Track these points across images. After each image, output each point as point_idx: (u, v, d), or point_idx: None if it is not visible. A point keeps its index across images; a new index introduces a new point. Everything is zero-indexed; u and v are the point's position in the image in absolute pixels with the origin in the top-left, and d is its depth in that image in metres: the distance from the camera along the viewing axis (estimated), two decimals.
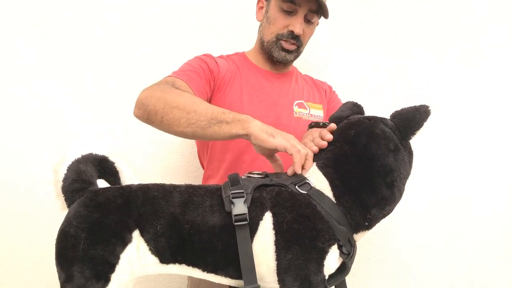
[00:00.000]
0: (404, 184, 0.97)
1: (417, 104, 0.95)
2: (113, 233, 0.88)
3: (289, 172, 0.99)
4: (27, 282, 1.70)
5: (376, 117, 1.00)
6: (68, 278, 0.86)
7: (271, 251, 0.89)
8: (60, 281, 0.88)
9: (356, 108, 1.10)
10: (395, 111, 0.98)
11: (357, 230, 0.96)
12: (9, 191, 1.67)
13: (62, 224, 0.89)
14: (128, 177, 1.04)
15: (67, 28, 1.66)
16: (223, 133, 1.02)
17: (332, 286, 1.01)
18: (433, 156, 1.79)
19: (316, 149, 1.01)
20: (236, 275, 0.91)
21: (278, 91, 1.43)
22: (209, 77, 1.31)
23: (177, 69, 1.30)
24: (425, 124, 0.94)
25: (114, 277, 0.87)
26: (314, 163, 0.99)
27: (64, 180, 0.93)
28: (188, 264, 0.92)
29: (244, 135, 1.01)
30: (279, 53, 1.38)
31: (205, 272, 0.93)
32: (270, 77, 1.44)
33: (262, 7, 1.43)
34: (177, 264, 0.92)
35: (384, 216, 0.97)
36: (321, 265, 0.89)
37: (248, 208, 0.90)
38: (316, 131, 1.10)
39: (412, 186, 1.02)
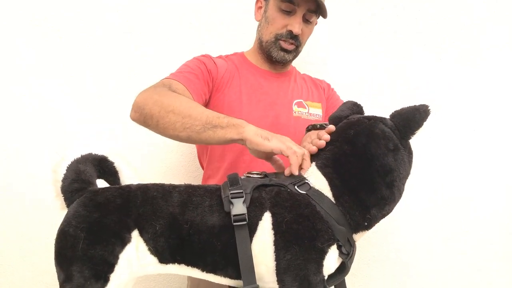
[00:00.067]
0: (403, 184, 0.97)
1: (417, 104, 0.96)
2: (112, 233, 0.88)
3: (286, 173, 0.99)
4: (27, 282, 1.70)
5: (375, 116, 1.00)
6: (67, 278, 0.86)
7: (270, 251, 0.89)
8: (59, 281, 0.88)
9: (355, 107, 1.10)
10: (395, 111, 0.98)
11: (356, 230, 0.96)
12: (9, 191, 1.67)
13: (62, 224, 0.90)
14: (128, 177, 1.04)
15: (67, 28, 1.66)
16: (217, 138, 1.03)
17: (331, 286, 1.01)
18: (432, 156, 1.79)
19: (314, 149, 1.01)
20: (235, 275, 0.91)
21: (277, 90, 1.43)
22: (207, 78, 1.32)
23: (175, 70, 1.30)
24: (425, 124, 0.94)
25: (113, 277, 0.87)
26: (313, 163, 0.99)
27: (64, 180, 0.93)
28: (187, 264, 0.92)
29: (239, 140, 1.01)
30: (278, 53, 1.38)
31: (204, 272, 0.93)
32: (269, 77, 1.45)
33: (260, 7, 1.43)
34: (176, 264, 0.92)
35: (383, 216, 0.97)
36: (320, 265, 0.89)
37: (247, 208, 0.90)
38: (314, 134, 1.10)
39: (412, 186, 1.02)
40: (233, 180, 0.95)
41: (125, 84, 1.69)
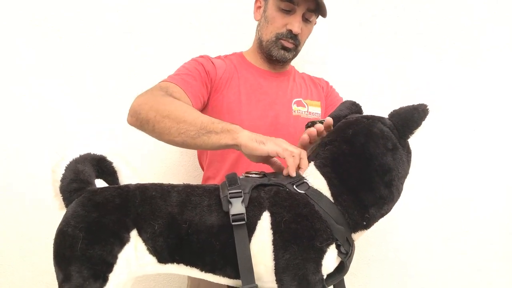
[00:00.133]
0: (402, 184, 0.97)
1: (416, 103, 0.96)
2: (111, 233, 0.88)
3: (285, 173, 0.99)
4: (27, 282, 1.70)
5: (374, 116, 0.99)
6: (66, 277, 0.86)
7: (269, 251, 0.89)
8: (58, 281, 0.88)
9: (354, 107, 1.10)
10: (393, 110, 0.98)
11: (355, 230, 0.96)
12: (9, 191, 1.67)
13: (60, 224, 0.89)
14: (126, 176, 1.04)
15: (67, 28, 1.67)
16: (212, 143, 1.03)
17: (330, 285, 1.01)
18: (432, 156, 1.79)
19: (306, 137, 1.02)
20: (234, 274, 0.91)
21: (276, 90, 1.43)
22: (205, 80, 1.32)
23: (173, 72, 1.31)
24: (423, 123, 0.94)
25: (112, 276, 0.87)
26: (312, 162, 0.99)
27: (62, 180, 0.93)
28: (186, 263, 0.92)
29: (234, 146, 1.02)
30: (278, 52, 1.38)
31: (203, 272, 0.93)
32: (268, 77, 1.45)
33: (260, 7, 1.43)
34: (175, 263, 0.92)
35: (382, 215, 0.97)
36: (319, 265, 0.89)
37: (246, 207, 0.90)
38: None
39: (412, 186, 1.02)
40: (232, 180, 0.95)
41: (125, 84, 1.69)
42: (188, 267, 0.92)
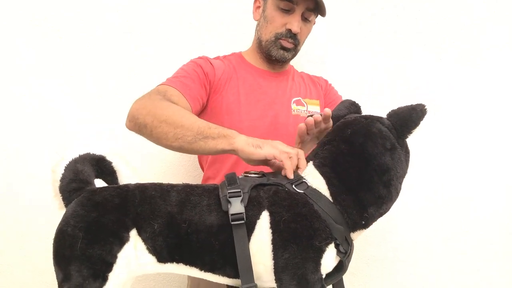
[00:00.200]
0: (400, 183, 0.97)
1: (414, 103, 0.96)
2: (111, 232, 0.88)
3: (283, 175, 0.99)
4: (27, 282, 1.70)
5: (372, 116, 1.00)
6: (66, 277, 0.86)
7: (268, 250, 0.89)
8: (57, 281, 0.88)
9: (353, 107, 1.10)
10: (392, 110, 0.98)
11: (354, 229, 0.96)
12: (9, 191, 1.67)
13: (60, 224, 0.90)
14: (126, 176, 1.04)
15: (67, 28, 1.67)
16: (209, 149, 1.03)
17: (329, 285, 1.01)
18: (432, 156, 1.79)
19: (303, 126, 1.03)
20: (234, 274, 0.91)
21: (276, 89, 1.43)
22: (204, 81, 1.32)
23: (172, 75, 1.31)
24: (422, 122, 0.94)
25: (111, 276, 0.87)
26: (311, 162, 0.99)
27: (62, 179, 0.93)
28: (186, 263, 0.92)
29: (231, 151, 1.02)
30: (277, 51, 1.38)
31: (203, 271, 0.93)
32: (267, 76, 1.45)
33: (259, 7, 1.43)
34: (174, 263, 0.92)
35: (381, 215, 0.97)
36: (318, 264, 0.89)
37: (245, 207, 0.90)
38: None
39: (412, 186, 1.02)
40: (231, 180, 0.95)
41: (125, 84, 1.69)
42: (188, 267, 0.92)
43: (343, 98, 1.50)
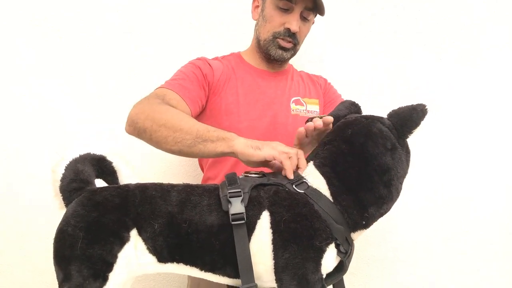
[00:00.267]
0: (401, 183, 0.97)
1: (414, 103, 0.96)
2: (111, 232, 0.88)
3: (283, 174, 0.99)
4: (27, 282, 1.70)
5: (373, 116, 1.00)
6: (66, 277, 0.86)
7: (268, 250, 0.89)
8: (58, 280, 0.88)
9: (353, 107, 1.10)
10: (392, 110, 0.98)
11: (354, 229, 0.96)
12: (9, 191, 1.67)
13: (60, 224, 0.90)
14: (126, 176, 1.04)
15: (67, 28, 1.67)
16: (208, 152, 1.04)
17: (330, 285, 1.01)
18: (432, 156, 1.79)
19: (302, 130, 1.03)
20: (234, 274, 0.91)
21: (275, 89, 1.43)
22: (203, 83, 1.32)
23: (170, 77, 1.31)
24: (422, 122, 0.94)
25: (112, 276, 0.87)
26: (311, 162, 0.99)
27: (62, 179, 0.93)
28: (186, 263, 0.92)
29: (231, 153, 1.02)
30: (276, 51, 1.37)
31: (203, 271, 0.93)
32: (266, 76, 1.45)
33: (257, 6, 1.43)
34: (175, 263, 0.92)
35: (381, 215, 0.97)
36: (318, 264, 0.89)
37: (246, 207, 0.90)
38: None
39: (412, 186, 1.02)
40: (231, 180, 0.95)
41: (125, 84, 1.69)
42: (188, 267, 0.93)
43: (343, 98, 1.51)
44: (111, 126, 1.68)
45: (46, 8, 1.65)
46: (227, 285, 0.98)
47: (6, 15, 1.63)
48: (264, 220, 0.90)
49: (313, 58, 1.78)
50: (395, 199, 0.97)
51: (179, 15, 1.72)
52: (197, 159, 1.55)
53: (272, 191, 0.94)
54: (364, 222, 0.95)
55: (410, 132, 0.95)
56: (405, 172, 0.99)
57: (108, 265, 0.87)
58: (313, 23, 1.45)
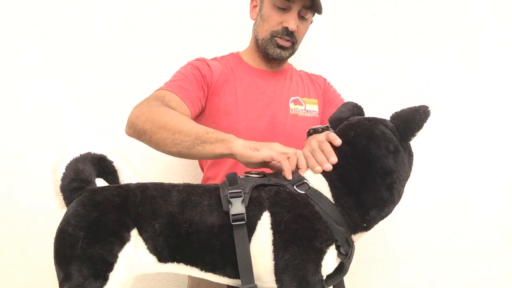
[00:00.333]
0: (403, 186, 0.97)
1: (417, 105, 0.95)
2: (111, 232, 0.88)
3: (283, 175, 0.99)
4: (27, 282, 1.70)
5: (376, 118, 0.99)
6: (66, 277, 0.86)
7: (268, 251, 0.89)
8: (58, 280, 0.88)
9: (356, 109, 1.09)
10: (395, 112, 0.98)
11: (355, 231, 0.96)
12: (9, 191, 1.67)
13: (61, 223, 0.90)
14: (127, 176, 1.04)
15: (67, 28, 1.67)
16: (207, 153, 1.04)
17: (330, 286, 1.01)
18: (432, 156, 1.79)
19: (329, 167, 0.96)
20: (234, 274, 0.91)
21: (274, 89, 1.43)
22: (202, 83, 1.32)
23: (169, 78, 1.31)
24: (425, 125, 0.93)
25: (112, 276, 0.87)
26: None
27: (63, 179, 0.93)
28: (186, 263, 0.92)
29: (229, 155, 1.02)
30: (274, 50, 1.37)
31: (203, 271, 0.93)
32: (265, 76, 1.45)
33: (256, 6, 1.43)
34: (175, 263, 0.92)
35: (383, 217, 0.97)
36: (319, 265, 0.89)
37: (246, 207, 0.90)
38: (314, 139, 1.07)
39: (411, 186, 1.02)
40: (232, 180, 0.95)
41: (125, 84, 1.69)
42: (188, 267, 0.92)
43: (343, 98, 1.51)
44: (111, 126, 1.68)
45: (46, 8, 1.65)
46: (227, 285, 0.98)
47: (6, 15, 1.63)
48: (265, 221, 0.90)
49: (313, 58, 1.78)
50: (397, 202, 0.97)
51: (179, 15, 1.72)
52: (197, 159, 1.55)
53: (273, 192, 0.93)
54: (365, 225, 0.95)
55: (413, 134, 0.94)
56: (408, 175, 0.98)
57: (108, 265, 0.87)
58: (312, 22, 1.45)
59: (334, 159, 0.96)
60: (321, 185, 0.95)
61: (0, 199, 1.67)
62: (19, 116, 1.65)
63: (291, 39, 1.36)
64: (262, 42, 1.39)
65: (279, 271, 0.88)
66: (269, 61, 1.44)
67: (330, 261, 0.91)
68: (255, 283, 0.88)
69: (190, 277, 1.39)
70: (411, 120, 0.93)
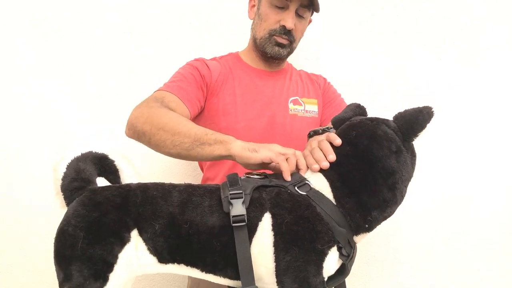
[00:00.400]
0: (406, 187, 0.96)
1: (420, 105, 0.94)
2: (112, 233, 0.88)
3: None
4: (27, 282, 1.70)
5: (378, 118, 0.99)
6: (67, 277, 0.86)
7: (269, 253, 0.89)
8: (58, 280, 0.88)
9: (358, 109, 1.09)
10: (398, 113, 0.97)
11: (357, 232, 0.95)
12: (9, 191, 1.67)
13: (61, 223, 0.89)
14: (128, 175, 1.04)
15: (67, 28, 1.67)
16: (206, 155, 1.04)
17: (331, 287, 1.01)
18: (432, 156, 1.79)
19: (326, 165, 0.97)
20: (235, 275, 0.91)
21: (272, 89, 1.43)
22: (201, 84, 1.32)
23: (169, 79, 1.31)
24: (428, 125, 0.93)
25: (112, 276, 0.87)
26: None
27: (64, 178, 0.93)
28: (187, 264, 0.92)
29: (228, 156, 1.02)
30: (272, 48, 1.37)
31: (204, 272, 0.93)
32: (264, 76, 1.44)
33: (254, 5, 1.43)
34: (175, 264, 0.92)
35: (385, 218, 0.97)
36: (320, 267, 0.89)
37: (247, 208, 0.89)
38: (315, 140, 1.07)
39: (411, 186, 1.02)
40: (233, 181, 0.94)
41: (125, 84, 1.69)
42: (189, 267, 0.92)
43: (343, 98, 1.51)
44: (111, 126, 1.67)
45: (46, 8, 1.65)
46: (228, 286, 0.98)
47: (6, 15, 1.63)
48: (266, 222, 0.90)
49: (314, 58, 1.78)
50: (399, 203, 0.96)
51: (179, 15, 1.72)
52: None
53: (274, 193, 0.93)
54: (367, 226, 0.94)
55: (415, 135, 0.94)
56: (410, 176, 0.97)
57: (108, 265, 0.87)
58: (310, 22, 1.45)
59: (332, 156, 0.96)
60: (322, 186, 0.94)
61: (0, 199, 1.66)
62: (19, 116, 1.65)
63: (289, 37, 1.36)
64: (260, 41, 1.39)
65: (280, 273, 0.88)
66: (267, 61, 1.44)
67: (331, 262, 0.91)
68: (256, 284, 0.88)
69: (189, 277, 1.39)
70: (415, 120, 0.93)
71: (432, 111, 0.92)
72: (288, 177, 0.96)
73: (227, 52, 1.52)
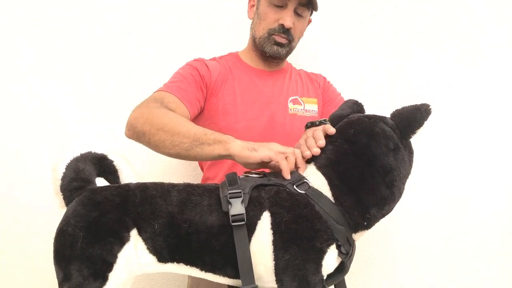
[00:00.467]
0: (404, 184, 0.97)
1: (418, 103, 0.95)
2: (111, 232, 0.88)
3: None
4: (27, 282, 1.70)
5: (376, 115, 0.99)
6: (66, 276, 0.86)
7: (269, 251, 0.89)
8: (58, 280, 0.88)
9: (356, 106, 1.09)
10: (395, 110, 0.97)
11: (356, 230, 0.95)
12: (9, 191, 1.67)
13: (60, 223, 0.90)
14: (127, 175, 1.04)
15: (67, 28, 1.67)
16: (205, 155, 1.04)
17: (331, 285, 1.01)
18: (432, 156, 1.78)
19: (317, 151, 0.98)
20: (234, 274, 0.91)
21: (272, 88, 1.43)
22: (200, 84, 1.32)
23: (168, 79, 1.32)
24: (426, 123, 0.93)
25: (111, 276, 0.87)
26: (313, 162, 0.99)
27: (63, 178, 0.93)
28: (186, 263, 0.92)
29: (228, 156, 1.02)
30: (271, 47, 1.37)
31: (203, 271, 0.93)
32: (264, 76, 1.45)
33: (253, 5, 1.43)
34: (175, 263, 0.92)
35: (383, 215, 0.97)
36: (319, 265, 0.89)
37: (246, 207, 0.90)
38: (311, 131, 1.08)
39: (411, 186, 1.02)
40: (232, 180, 0.94)
41: (125, 84, 1.69)
42: (188, 267, 0.92)
43: (343, 97, 1.51)
44: (111, 126, 1.68)
45: (46, 8, 1.65)
46: (228, 285, 0.98)
47: (6, 15, 1.63)
48: (265, 221, 0.90)
49: (313, 58, 1.78)
50: (397, 200, 0.96)
51: (179, 15, 1.72)
52: None
53: (273, 192, 0.93)
54: (365, 223, 0.94)
55: (413, 132, 0.94)
56: (408, 173, 0.98)
57: (108, 265, 0.87)
58: (310, 22, 1.45)
59: (322, 142, 0.97)
60: (321, 184, 0.94)
61: (0, 199, 1.66)
62: (19, 116, 1.65)
63: (288, 36, 1.36)
64: (259, 40, 1.39)
65: (280, 271, 0.88)
66: (267, 60, 1.44)
67: (330, 260, 0.91)
68: (256, 283, 0.88)
69: (190, 276, 1.39)
70: (412, 118, 0.93)
71: (430, 108, 0.93)
72: (287, 176, 0.96)
73: (227, 52, 1.52)
